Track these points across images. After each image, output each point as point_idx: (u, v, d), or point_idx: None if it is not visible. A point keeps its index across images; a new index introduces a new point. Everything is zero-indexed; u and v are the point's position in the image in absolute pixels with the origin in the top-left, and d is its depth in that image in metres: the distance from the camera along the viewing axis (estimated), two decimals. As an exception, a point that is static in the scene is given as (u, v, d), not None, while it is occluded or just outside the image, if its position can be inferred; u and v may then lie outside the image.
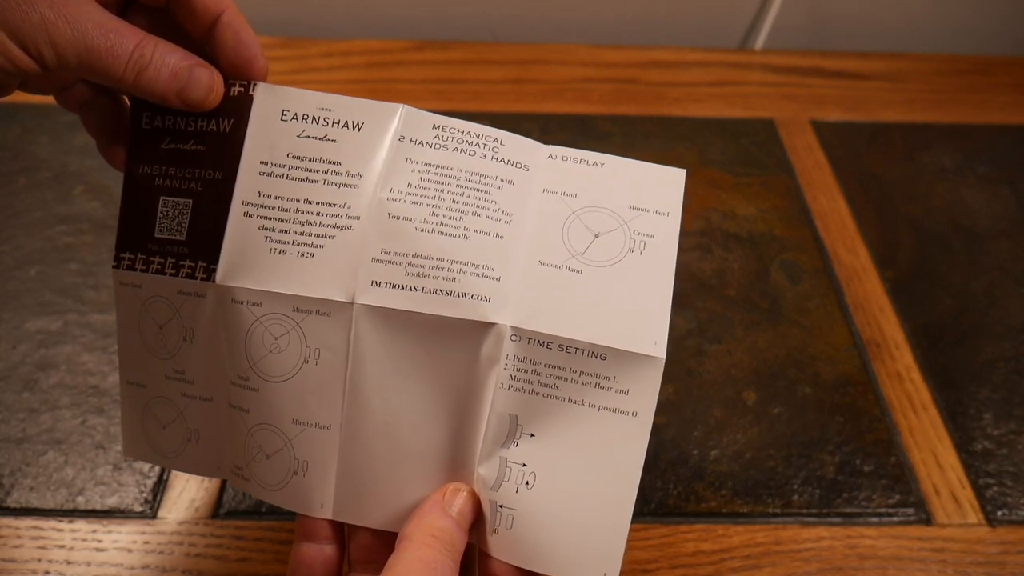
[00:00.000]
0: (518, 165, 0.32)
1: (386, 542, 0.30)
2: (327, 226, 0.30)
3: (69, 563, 0.39)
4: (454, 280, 0.29)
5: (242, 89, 0.32)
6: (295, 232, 0.30)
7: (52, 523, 0.40)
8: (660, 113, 0.67)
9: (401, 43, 0.72)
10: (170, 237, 0.32)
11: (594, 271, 0.30)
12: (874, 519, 0.43)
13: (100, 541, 0.40)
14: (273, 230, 0.31)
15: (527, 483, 0.29)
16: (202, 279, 0.31)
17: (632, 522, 0.42)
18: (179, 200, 0.32)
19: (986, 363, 0.51)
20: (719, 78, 0.71)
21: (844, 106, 0.69)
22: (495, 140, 0.32)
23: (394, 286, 0.29)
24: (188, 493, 0.42)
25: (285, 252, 0.30)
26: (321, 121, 0.32)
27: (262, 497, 0.31)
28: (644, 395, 0.29)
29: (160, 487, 0.42)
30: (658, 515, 0.42)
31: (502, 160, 0.32)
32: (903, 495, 0.44)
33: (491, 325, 0.29)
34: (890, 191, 0.62)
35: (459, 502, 0.29)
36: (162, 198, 0.32)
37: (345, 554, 0.32)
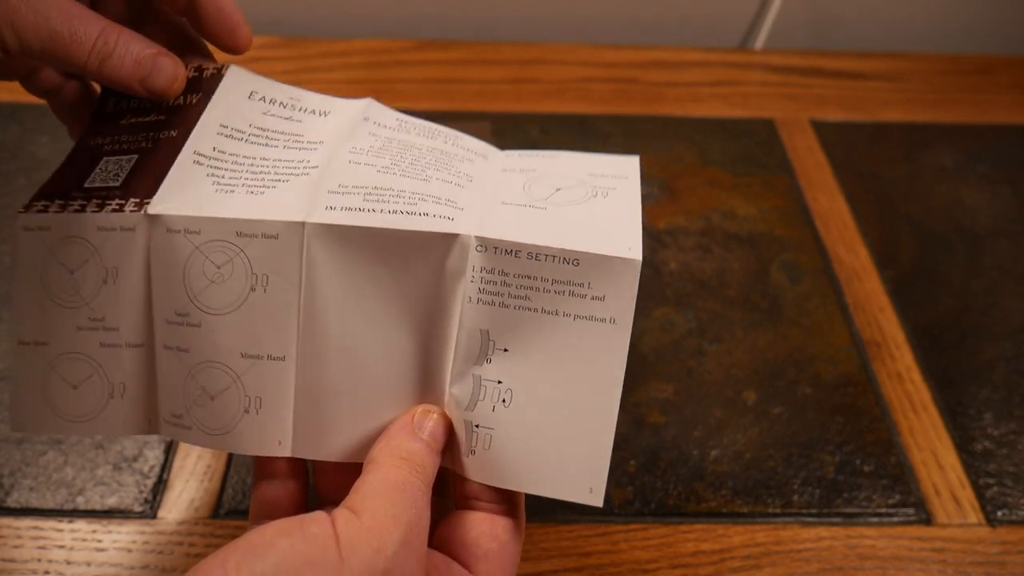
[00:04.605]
0: (477, 153, 0.32)
1: (354, 474, 0.28)
2: (282, 173, 0.29)
3: (69, 563, 0.39)
4: (415, 205, 0.28)
5: (215, 71, 0.31)
6: (246, 178, 0.29)
7: (52, 523, 0.40)
8: (660, 113, 0.67)
9: (401, 43, 0.72)
10: (102, 185, 0.30)
11: (559, 208, 0.29)
12: (874, 519, 0.43)
13: (100, 541, 0.40)
14: (223, 177, 0.29)
15: (503, 401, 0.28)
16: (132, 212, 0.28)
17: (632, 522, 0.42)
18: (122, 157, 0.30)
19: (986, 363, 0.51)
20: (719, 78, 0.71)
21: (844, 106, 0.69)
22: (455, 135, 0.33)
23: (350, 209, 0.28)
24: (188, 493, 0.42)
25: (233, 192, 0.29)
26: (288, 106, 0.32)
27: (206, 444, 0.29)
28: (621, 300, 0.27)
29: (160, 487, 0.42)
30: (658, 515, 0.42)
31: (462, 147, 0.32)
32: (903, 495, 0.44)
33: (454, 236, 0.27)
34: (890, 191, 0.62)
35: (430, 424, 0.28)
36: (104, 158, 0.31)
37: (310, 488, 0.31)
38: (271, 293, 0.28)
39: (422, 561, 0.25)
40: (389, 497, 0.25)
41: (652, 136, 0.65)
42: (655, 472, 0.44)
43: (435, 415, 0.28)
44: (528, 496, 0.42)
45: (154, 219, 0.28)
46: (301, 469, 0.30)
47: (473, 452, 0.28)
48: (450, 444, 0.28)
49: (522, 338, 0.28)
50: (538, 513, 0.42)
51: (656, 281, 0.54)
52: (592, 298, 0.27)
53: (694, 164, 0.63)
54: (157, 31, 0.33)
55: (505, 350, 0.28)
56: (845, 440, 0.46)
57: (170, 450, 0.44)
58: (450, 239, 0.27)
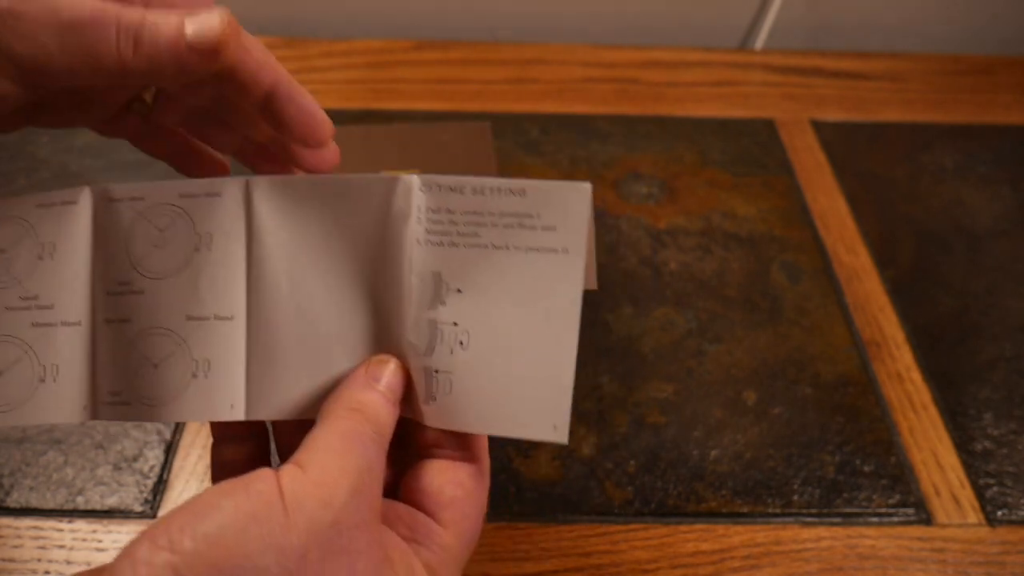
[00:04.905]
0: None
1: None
2: None
3: (69, 563, 0.39)
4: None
5: None
6: None
7: (52, 523, 0.40)
8: (660, 113, 0.67)
9: (401, 43, 0.72)
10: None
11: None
12: (874, 519, 0.43)
13: (100, 541, 0.40)
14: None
15: (461, 343, 0.27)
16: (74, 188, 0.28)
17: (632, 522, 0.42)
18: None
19: (986, 363, 0.51)
20: (719, 78, 0.71)
21: (844, 106, 0.69)
22: None
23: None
24: (188, 493, 0.42)
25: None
26: None
27: (146, 418, 0.28)
28: (572, 228, 0.26)
29: (160, 487, 0.42)
30: (658, 515, 0.42)
31: None
32: (903, 495, 0.44)
33: (397, 178, 0.27)
34: (890, 191, 0.62)
35: (385, 374, 0.27)
36: None
37: (270, 446, 0.30)
38: (215, 252, 0.27)
39: (375, 511, 0.24)
40: (337, 449, 0.24)
41: (652, 136, 0.65)
42: (655, 472, 0.44)
43: (391, 365, 0.27)
44: (528, 494, 0.43)
45: (97, 190, 0.28)
46: (260, 428, 0.29)
47: (434, 398, 0.27)
48: (410, 393, 0.28)
49: (475, 276, 0.27)
50: (538, 513, 0.42)
51: (656, 281, 0.54)
52: (542, 228, 0.26)
53: (694, 164, 0.63)
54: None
55: (459, 291, 0.27)
56: (845, 440, 0.46)
57: (170, 450, 0.44)
58: (393, 181, 0.27)
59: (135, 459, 0.43)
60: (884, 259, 0.57)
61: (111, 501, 0.41)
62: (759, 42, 0.77)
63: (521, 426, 0.26)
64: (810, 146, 0.65)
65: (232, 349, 0.28)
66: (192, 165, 0.33)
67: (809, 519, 0.43)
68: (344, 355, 0.28)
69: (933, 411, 0.48)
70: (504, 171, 0.59)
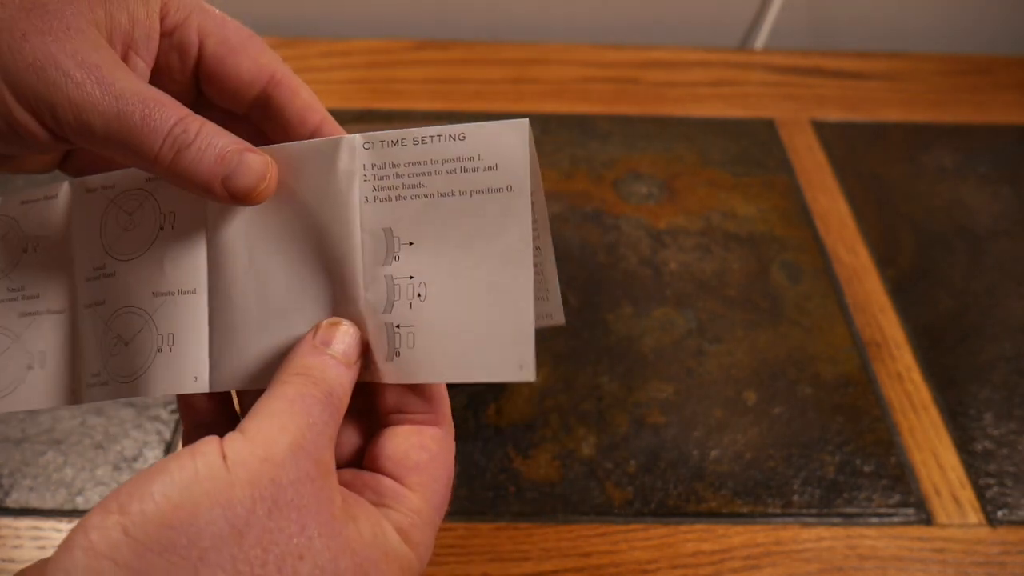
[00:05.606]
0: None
1: None
2: None
3: (68, 563, 0.39)
4: None
5: None
6: None
7: (52, 523, 0.40)
8: (660, 113, 0.67)
9: (401, 43, 0.72)
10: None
11: None
12: (874, 519, 0.43)
13: (99, 541, 0.40)
14: None
15: (419, 295, 0.27)
16: (54, 183, 0.29)
17: (632, 522, 0.42)
18: None
19: (987, 363, 0.51)
20: (719, 78, 0.71)
21: (844, 106, 0.69)
22: None
23: None
24: (188, 493, 0.42)
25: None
26: None
27: (122, 395, 0.28)
28: (513, 164, 0.26)
29: (160, 487, 0.42)
30: (658, 515, 0.42)
31: None
32: (903, 495, 0.44)
33: (340, 138, 0.27)
34: (890, 191, 0.62)
35: (336, 336, 0.27)
36: None
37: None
38: (178, 228, 0.28)
39: (323, 467, 0.24)
40: (277, 410, 0.24)
41: (652, 136, 0.65)
42: (655, 472, 0.44)
43: (342, 327, 0.27)
44: (528, 494, 0.43)
45: (75, 183, 0.29)
46: (231, 414, 0.30)
47: (398, 354, 0.27)
48: (368, 355, 0.28)
49: (425, 227, 0.27)
50: (538, 513, 0.42)
51: (656, 281, 0.54)
52: (485, 169, 0.26)
53: (694, 164, 0.63)
54: None
55: (411, 243, 0.27)
56: (845, 440, 0.46)
57: (169, 450, 0.44)
58: (336, 142, 0.27)
59: (135, 459, 0.43)
60: (884, 259, 0.57)
61: (111, 501, 0.41)
62: (759, 42, 0.77)
63: (488, 370, 0.26)
64: (810, 146, 0.65)
65: (195, 322, 0.28)
66: None
67: (809, 519, 0.43)
68: (304, 321, 0.28)
69: (933, 411, 0.48)
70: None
